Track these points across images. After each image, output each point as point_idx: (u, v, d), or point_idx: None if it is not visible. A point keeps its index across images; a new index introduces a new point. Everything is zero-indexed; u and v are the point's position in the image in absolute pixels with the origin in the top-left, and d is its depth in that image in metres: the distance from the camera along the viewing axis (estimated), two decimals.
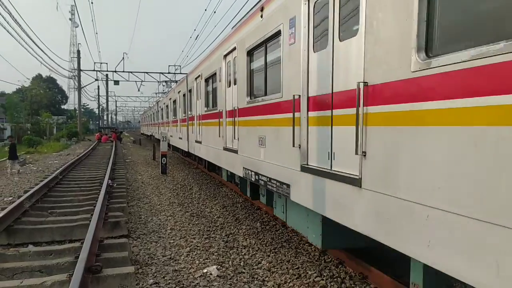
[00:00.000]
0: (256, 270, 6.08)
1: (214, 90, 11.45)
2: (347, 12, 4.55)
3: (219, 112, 10.47)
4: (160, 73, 46.11)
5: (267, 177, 6.79)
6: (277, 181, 6.35)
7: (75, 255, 5.67)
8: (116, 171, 16.32)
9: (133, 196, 11.99)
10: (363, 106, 3.98)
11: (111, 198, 10.13)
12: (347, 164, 4.42)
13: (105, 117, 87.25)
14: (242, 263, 6.35)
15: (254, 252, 6.89)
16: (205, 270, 5.94)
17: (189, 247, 7.11)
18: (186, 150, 17.94)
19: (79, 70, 48.95)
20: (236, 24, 9.24)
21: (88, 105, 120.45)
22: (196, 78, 14.44)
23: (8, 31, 22.15)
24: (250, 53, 7.96)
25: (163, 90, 60.90)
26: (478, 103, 2.74)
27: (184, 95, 18.06)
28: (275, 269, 6.09)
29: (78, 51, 50.42)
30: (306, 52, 5.40)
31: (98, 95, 74.58)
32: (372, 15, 3.89)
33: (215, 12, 19.04)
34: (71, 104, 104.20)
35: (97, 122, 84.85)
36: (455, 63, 2.90)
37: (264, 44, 7.09)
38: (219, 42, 10.82)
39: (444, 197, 3.02)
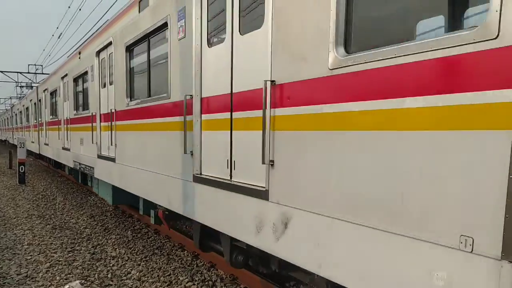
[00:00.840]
0: (125, 281, 5.79)
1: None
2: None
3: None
4: (18, 72, 41.66)
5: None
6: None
7: None
8: None
9: None
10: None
11: None
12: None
13: None
14: (109, 275, 6.00)
15: (123, 262, 6.56)
16: (66, 286, 5.46)
17: (49, 262, 6.50)
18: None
19: None
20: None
21: None
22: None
23: None
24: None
25: (22, 92, 55.27)
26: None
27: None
28: (146, 278, 5.87)
29: None
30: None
31: None
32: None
33: (80, 9, 17.81)
34: None
35: None
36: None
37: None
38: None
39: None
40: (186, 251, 7.03)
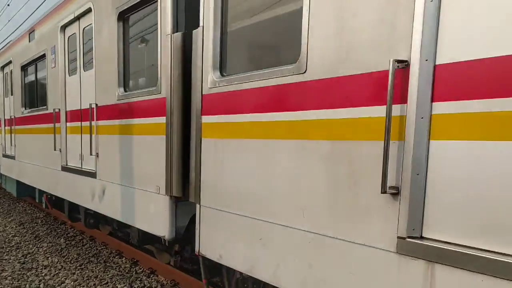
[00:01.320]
0: None
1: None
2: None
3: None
4: None
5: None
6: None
7: None
8: None
9: None
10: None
11: None
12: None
13: None
14: (42, 285, 5.74)
15: (56, 272, 6.30)
16: None
17: None
18: None
19: None
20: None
21: None
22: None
23: None
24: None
25: None
26: None
27: None
28: (81, 287, 5.68)
29: None
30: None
31: None
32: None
33: (8, 5, 16.84)
34: None
35: None
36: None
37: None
38: None
39: None
40: (124, 258, 6.87)
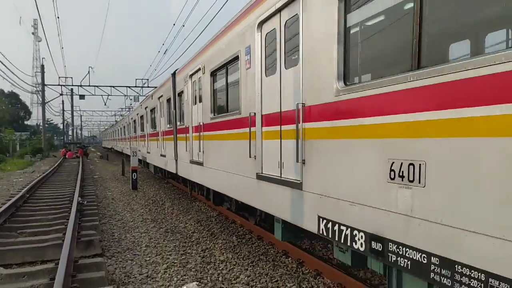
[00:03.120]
0: (235, 284, 6.09)
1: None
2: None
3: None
4: (127, 87, 45.53)
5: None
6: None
7: (49, 276, 5.54)
8: (85, 188, 15.96)
9: (104, 213, 11.75)
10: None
11: (82, 216, 9.91)
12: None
13: (70, 132, 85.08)
14: (220, 278, 6.34)
15: (231, 267, 6.89)
16: (184, 287, 5.89)
17: (166, 264, 7.04)
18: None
19: (43, 84, 47.72)
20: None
21: (52, 120, 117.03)
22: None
23: None
24: (213, 74, 8.81)
25: (131, 104, 60.03)
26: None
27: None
28: (254, 283, 6.12)
29: (42, 66, 49.29)
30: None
31: (63, 110, 72.81)
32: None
33: (183, 25, 19.06)
34: (34, 119, 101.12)
35: (62, 138, 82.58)
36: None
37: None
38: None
39: None
40: (290, 258, 7.18)
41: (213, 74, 8.72)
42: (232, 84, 7.78)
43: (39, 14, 51.21)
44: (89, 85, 43.82)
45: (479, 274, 2.73)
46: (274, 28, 5.82)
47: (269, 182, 5.90)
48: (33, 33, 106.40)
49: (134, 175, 17.27)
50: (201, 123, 9.60)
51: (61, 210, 10.83)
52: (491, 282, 2.66)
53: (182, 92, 12.24)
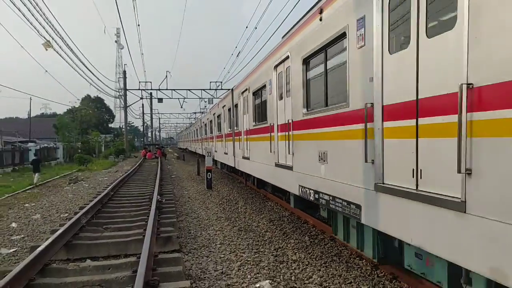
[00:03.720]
0: (308, 285, 6.07)
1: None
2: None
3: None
4: (201, 89, 47.05)
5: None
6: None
7: (132, 269, 5.88)
8: (164, 187, 16.74)
9: (181, 211, 12.25)
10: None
11: (161, 214, 10.41)
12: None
13: (149, 134, 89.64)
14: (293, 278, 6.35)
15: (304, 267, 6.88)
16: (257, 285, 5.98)
17: (240, 261, 7.19)
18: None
19: (125, 89, 50.79)
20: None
21: (133, 123, 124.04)
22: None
23: (60, 55, 23.31)
24: (306, 61, 7.73)
25: (205, 106, 62.01)
26: None
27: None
28: (327, 284, 6.06)
29: (124, 72, 52.37)
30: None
31: (143, 113, 77.01)
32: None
33: (256, 28, 19.33)
34: (117, 122, 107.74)
35: (142, 139, 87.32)
36: None
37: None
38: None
39: None
40: (364, 260, 7.01)
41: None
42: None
43: (121, 23, 54.50)
44: (166, 89, 45.91)
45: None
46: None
47: (281, 168, 9.23)
48: (116, 41, 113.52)
49: (209, 174, 17.81)
50: (291, 121, 8.62)
51: (142, 207, 11.46)
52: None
53: (237, 104, 15.97)
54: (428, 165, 4.11)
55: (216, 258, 7.44)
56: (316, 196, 7.15)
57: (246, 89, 13.96)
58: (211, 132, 26.98)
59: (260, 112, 12.10)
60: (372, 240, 6.02)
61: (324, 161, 6.76)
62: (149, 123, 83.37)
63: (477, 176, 3.39)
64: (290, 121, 8.58)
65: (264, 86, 11.10)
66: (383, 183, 4.90)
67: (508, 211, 3.10)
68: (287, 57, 8.76)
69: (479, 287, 3.88)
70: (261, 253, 7.74)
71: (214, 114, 24.96)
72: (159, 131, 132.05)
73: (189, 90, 47.27)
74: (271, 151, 10.33)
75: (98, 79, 52.04)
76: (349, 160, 5.78)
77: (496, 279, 3.20)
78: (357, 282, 6.05)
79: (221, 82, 44.66)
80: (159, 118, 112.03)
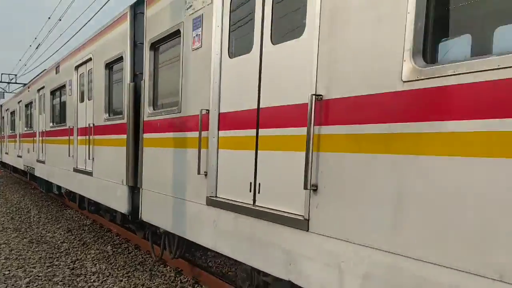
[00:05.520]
0: None
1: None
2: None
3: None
4: None
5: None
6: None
7: None
8: None
9: None
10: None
11: None
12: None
13: None
14: None
15: (104, 278, 6.47)
16: None
17: (29, 277, 6.35)
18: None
19: None
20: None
21: None
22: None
23: None
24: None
25: None
26: None
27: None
28: None
29: None
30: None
31: None
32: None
33: (60, 20, 17.61)
34: None
35: None
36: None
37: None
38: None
39: None
40: (168, 267, 6.98)
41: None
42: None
43: None
44: None
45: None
46: None
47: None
48: None
49: None
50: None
51: None
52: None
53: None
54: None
55: None
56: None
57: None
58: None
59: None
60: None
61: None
62: None
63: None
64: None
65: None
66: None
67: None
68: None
69: None
70: (56, 266, 7.00)
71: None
72: None
73: None
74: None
75: None
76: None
77: None
78: None
79: (16, 75, 39.30)
80: None
